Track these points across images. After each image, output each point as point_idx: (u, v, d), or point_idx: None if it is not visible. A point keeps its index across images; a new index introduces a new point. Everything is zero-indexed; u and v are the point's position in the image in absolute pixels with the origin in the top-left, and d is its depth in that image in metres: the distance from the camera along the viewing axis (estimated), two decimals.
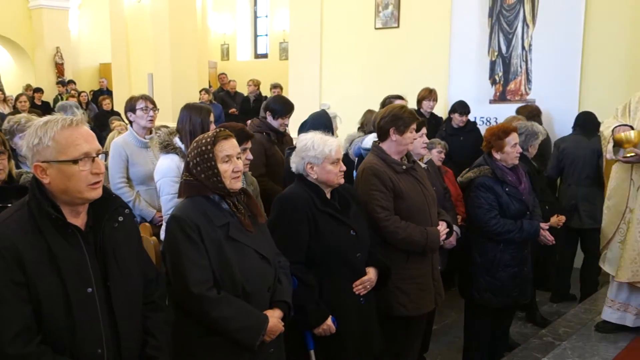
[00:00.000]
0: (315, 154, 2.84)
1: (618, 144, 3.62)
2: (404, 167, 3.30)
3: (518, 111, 5.66)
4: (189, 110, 3.58)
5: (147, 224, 3.53)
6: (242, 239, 2.36)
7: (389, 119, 3.28)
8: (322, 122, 3.99)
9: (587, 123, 5.24)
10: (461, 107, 5.87)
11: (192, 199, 2.37)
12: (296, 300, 2.62)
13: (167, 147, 3.40)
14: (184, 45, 10.25)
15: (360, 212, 3.04)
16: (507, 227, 3.69)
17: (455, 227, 3.88)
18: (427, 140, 3.79)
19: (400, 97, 5.10)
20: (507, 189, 3.74)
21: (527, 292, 3.94)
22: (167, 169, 3.32)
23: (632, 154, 3.56)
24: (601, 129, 3.85)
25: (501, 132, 3.78)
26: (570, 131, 5.48)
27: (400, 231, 3.16)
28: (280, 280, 2.50)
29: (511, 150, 3.77)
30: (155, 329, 2.09)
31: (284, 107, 4.39)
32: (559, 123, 5.87)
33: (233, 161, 2.40)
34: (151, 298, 2.13)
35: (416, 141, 3.57)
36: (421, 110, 5.95)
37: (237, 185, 2.42)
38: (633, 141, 3.54)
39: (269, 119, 4.40)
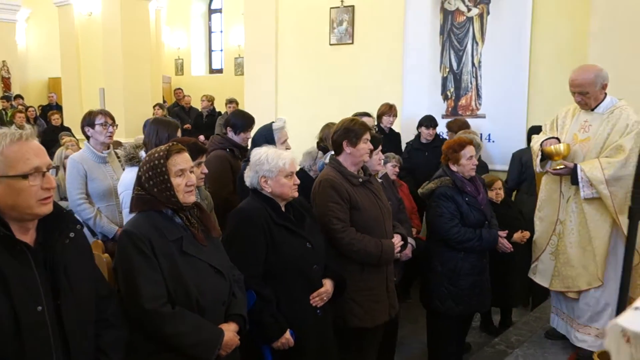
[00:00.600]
0: (270, 167, 2.88)
1: (548, 157, 3.74)
2: (360, 179, 3.36)
3: (449, 126, 5.97)
4: (156, 124, 3.56)
5: (99, 240, 3.48)
6: (195, 253, 2.37)
7: (341, 132, 3.36)
8: (261, 134, 4.00)
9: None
10: (427, 121, 5.99)
11: (145, 214, 2.37)
12: (254, 315, 2.64)
13: (132, 160, 3.37)
14: (137, 60, 10.13)
15: (315, 224, 3.08)
16: (468, 235, 3.81)
17: (410, 240, 3.97)
18: (383, 157, 3.90)
19: (367, 114, 5.21)
20: (467, 199, 3.88)
21: (485, 302, 4.08)
22: (131, 182, 3.29)
23: (562, 166, 3.67)
24: (531, 144, 4.00)
25: (457, 146, 3.94)
26: (519, 145, 5.72)
27: (356, 243, 3.21)
28: (235, 294, 2.51)
29: (467, 163, 3.92)
30: (108, 347, 2.07)
31: (244, 122, 4.38)
32: (508, 137, 6.08)
33: (186, 175, 2.41)
34: (104, 315, 2.10)
35: (373, 158, 3.67)
36: (381, 125, 6.06)
37: (191, 199, 2.43)
38: (562, 153, 3.66)
39: (230, 134, 4.37)
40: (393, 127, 6.29)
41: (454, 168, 3.95)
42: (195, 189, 2.48)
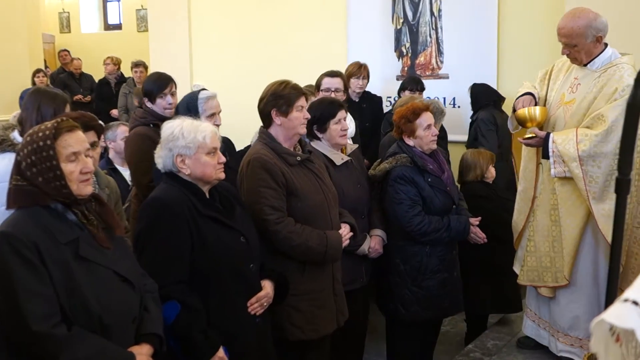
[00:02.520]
0: (186, 143, 2.84)
1: (521, 122, 3.76)
2: (299, 158, 3.37)
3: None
4: (37, 96, 3.43)
5: None
6: (95, 258, 2.33)
7: (268, 99, 3.36)
8: (183, 104, 3.93)
9: (489, 95, 5.86)
10: (412, 83, 5.87)
11: (27, 210, 2.30)
12: (179, 330, 2.64)
13: (2, 145, 3.25)
14: (7, 13, 9.73)
15: (246, 214, 3.09)
16: (434, 225, 3.84)
17: (380, 232, 4.01)
18: (347, 127, 3.90)
19: (337, 74, 5.00)
20: (429, 180, 3.90)
21: (458, 302, 4.13)
22: (5, 172, 3.17)
23: (532, 135, 3.67)
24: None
25: (410, 114, 3.93)
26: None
27: (295, 237, 3.22)
28: (147, 308, 2.48)
29: (425, 134, 3.93)
30: None
31: (157, 82, 4.25)
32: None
33: (81, 160, 2.35)
34: None
35: (333, 128, 3.69)
36: (351, 89, 5.92)
37: (87, 190, 2.37)
38: (537, 119, 3.67)
39: (148, 105, 4.25)
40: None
41: (410, 142, 3.96)
42: (92, 177, 2.43)
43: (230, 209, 2.98)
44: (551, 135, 3.59)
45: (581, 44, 3.54)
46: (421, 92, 5.87)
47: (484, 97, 5.94)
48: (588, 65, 3.64)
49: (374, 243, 3.94)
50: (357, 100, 5.94)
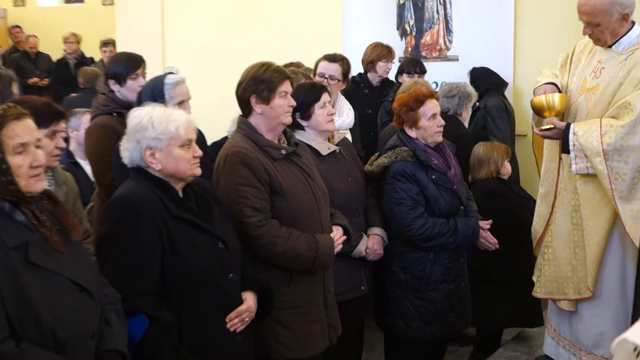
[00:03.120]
0: (156, 134, 2.83)
1: (537, 112, 3.77)
2: (284, 151, 3.37)
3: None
4: None
5: None
6: (48, 264, 2.31)
7: (247, 84, 3.35)
8: (147, 89, 3.91)
9: (491, 79, 5.93)
10: (411, 65, 5.90)
11: None
12: (147, 347, 2.64)
13: None
14: None
15: (226, 216, 3.08)
16: (438, 228, 3.83)
17: (379, 231, 4.00)
18: (334, 111, 3.91)
19: (335, 59, 4.88)
20: (433, 177, 3.90)
21: (466, 317, 4.14)
22: None
23: (550, 126, 3.67)
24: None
25: (413, 101, 3.93)
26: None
27: (280, 242, 3.22)
28: (109, 322, 2.48)
29: (429, 124, 3.93)
30: None
31: (128, 62, 4.25)
32: None
33: (31, 152, 2.34)
34: None
35: (319, 113, 3.71)
36: (375, 73, 5.96)
37: (38, 186, 2.36)
38: (555, 108, 3.67)
39: (115, 88, 4.24)
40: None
41: (412, 134, 3.96)
42: (44, 172, 2.42)
43: (207, 210, 2.97)
44: (572, 126, 3.59)
45: (605, 23, 3.53)
46: (421, 75, 5.84)
47: (485, 82, 5.97)
48: (613, 47, 3.65)
49: (372, 243, 3.93)
50: (377, 86, 6.00)
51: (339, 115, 4.55)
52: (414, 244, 3.90)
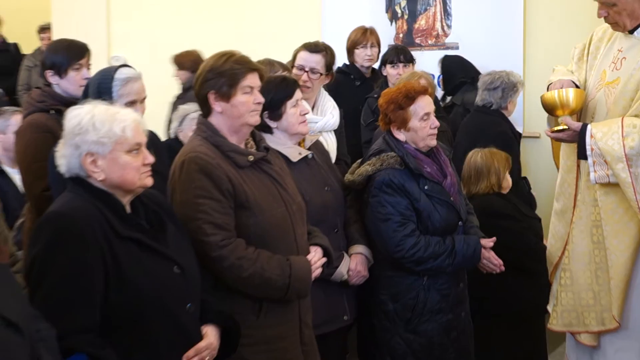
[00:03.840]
0: (99, 137, 2.81)
1: (549, 110, 3.79)
2: (251, 158, 3.36)
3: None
4: None
5: None
6: None
7: (204, 77, 3.34)
8: (93, 84, 3.89)
9: (467, 70, 6.05)
10: (394, 54, 5.88)
11: None
12: None
13: None
14: None
15: (183, 235, 3.08)
16: (433, 249, 3.83)
17: (363, 249, 4.01)
18: (307, 110, 3.92)
19: (318, 50, 4.76)
20: (426, 187, 3.90)
21: (468, 353, 4.13)
22: None
23: (564, 127, 3.69)
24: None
25: (402, 98, 3.92)
26: None
27: (247, 264, 3.20)
28: None
29: (421, 126, 3.93)
30: None
31: (69, 50, 4.25)
32: None
33: None
34: None
35: (291, 113, 3.73)
36: (355, 64, 5.98)
37: None
38: (570, 106, 3.68)
39: (54, 80, 4.25)
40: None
41: (400, 136, 3.97)
42: None
43: (160, 228, 2.97)
44: (588, 127, 3.59)
45: (622, 3, 3.54)
46: (407, 64, 5.82)
47: (461, 73, 6.05)
48: (635, 33, 3.66)
49: (354, 263, 3.93)
50: (369, 77, 6.00)
51: (322, 115, 4.54)
52: (404, 268, 3.90)
